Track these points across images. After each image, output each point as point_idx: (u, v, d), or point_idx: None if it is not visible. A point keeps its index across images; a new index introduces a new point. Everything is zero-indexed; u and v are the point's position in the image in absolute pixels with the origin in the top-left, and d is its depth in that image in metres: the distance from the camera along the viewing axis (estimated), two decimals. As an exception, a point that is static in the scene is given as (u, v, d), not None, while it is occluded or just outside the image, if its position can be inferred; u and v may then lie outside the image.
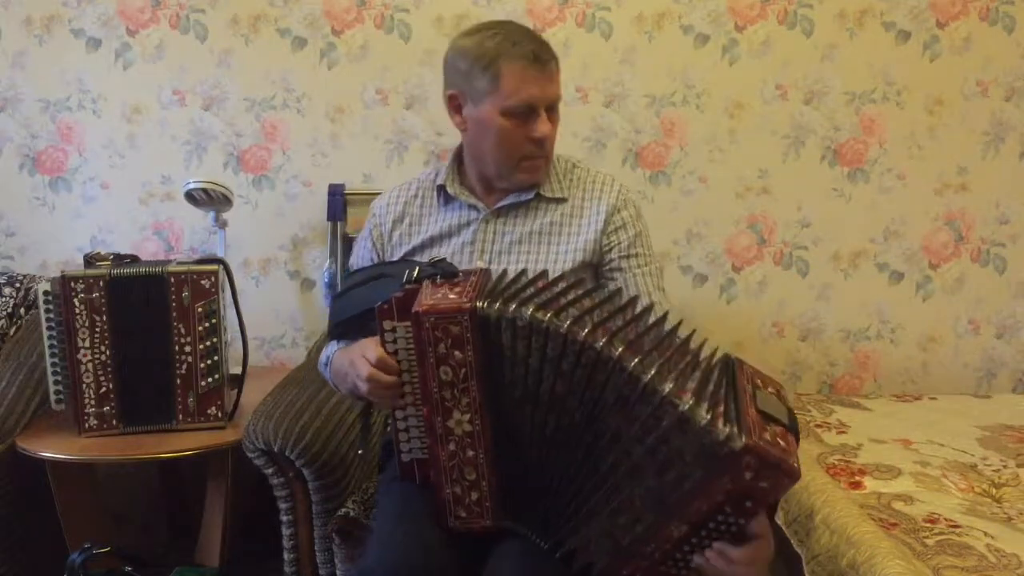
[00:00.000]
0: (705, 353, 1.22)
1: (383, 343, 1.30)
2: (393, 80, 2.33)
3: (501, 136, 1.45)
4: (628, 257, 1.52)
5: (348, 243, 2.31)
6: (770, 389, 1.21)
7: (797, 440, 1.15)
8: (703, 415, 1.07)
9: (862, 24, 2.34)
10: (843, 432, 2.00)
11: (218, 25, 2.31)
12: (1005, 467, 1.80)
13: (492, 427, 1.25)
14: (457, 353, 1.23)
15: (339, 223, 2.29)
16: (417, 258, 1.51)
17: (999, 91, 2.38)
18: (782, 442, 1.08)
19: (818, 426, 2.04)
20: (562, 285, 1.27)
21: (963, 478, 1.74)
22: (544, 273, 1.32)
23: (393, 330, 1.29)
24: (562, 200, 1.54)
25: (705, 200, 2.39)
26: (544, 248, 1.52)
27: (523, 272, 1.32)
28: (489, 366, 1.23)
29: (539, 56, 1.42)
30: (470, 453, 1.27)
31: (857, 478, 1.73)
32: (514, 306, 1.21)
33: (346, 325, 1.47)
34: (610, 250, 1.52)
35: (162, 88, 2.33)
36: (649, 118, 2.36)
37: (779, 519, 1.70)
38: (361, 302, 1.42)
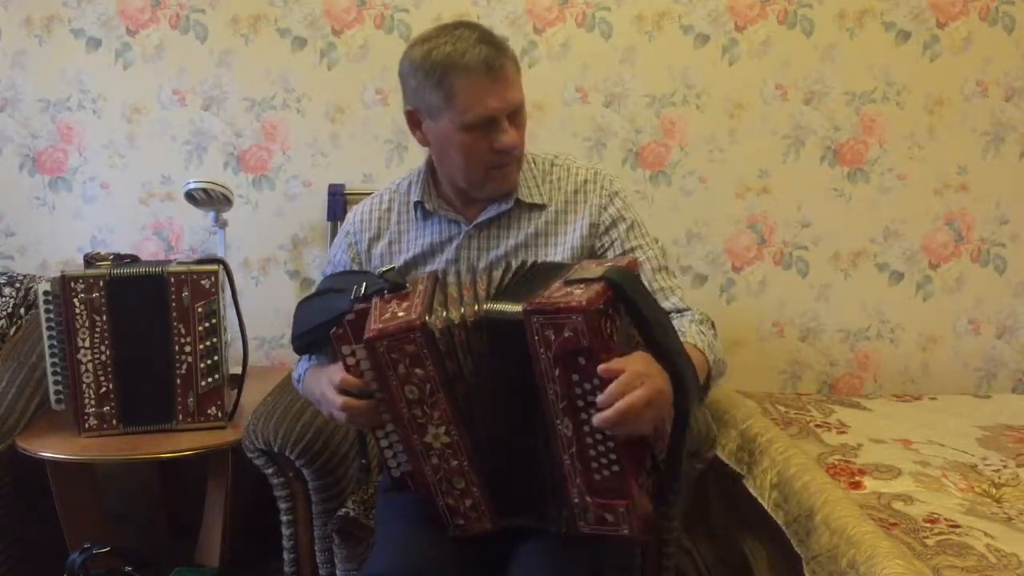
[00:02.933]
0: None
1: (346, 368, 1.28)
2: (393, 80, 2.28)
3: (464, 151, 1.37)
4: (627, 252, 1.46)
5: (348, 243, 2.31)
6: (606, 264, 1.23)
7: (617, 286, 1.16)
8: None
9: (862, 24, 2.34)
10: (843, 432, 2.00)
11: (218, 25, 2.31)
12: (1005, 467, 1.80)
13: (469, 433, 1.25)
14: (418, 370, 1.22)
15: (339, 223, 2.28)
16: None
17: (999, 91, 2.38)
18: (577, 291, 1.15)
19: (818, 426, 2.04)
20: (497, 274, 1.28)
21: (963, 478, 1.74)
22: (489, 269, 1.33)
23: (353, 354, 1.27)
24: (543, 206, 1.47)
25: (705, 200, 2.39)
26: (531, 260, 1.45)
27: (471, 271, 1.32)
28: (452, 374, 1.23)
29: (492, 64, 1.32)
30: (454, 463, 1.27)
31: (857, 478, 1.73)
32: (460, 309, 1.21)
33: (304, 338, 1.45)
34: (606, 250, 1.47)
35: (162, 88, 2.33)
36: (649, 118, 2.36)
37: (779, 519, 1.71)
38: (314, 316, 1.40)
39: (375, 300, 1.27)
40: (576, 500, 1.21)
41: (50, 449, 1.77)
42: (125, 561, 1.73)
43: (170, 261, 1.88)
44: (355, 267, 1.54)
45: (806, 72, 2.35)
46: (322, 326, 1.34)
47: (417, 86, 1.37)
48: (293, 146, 2.36)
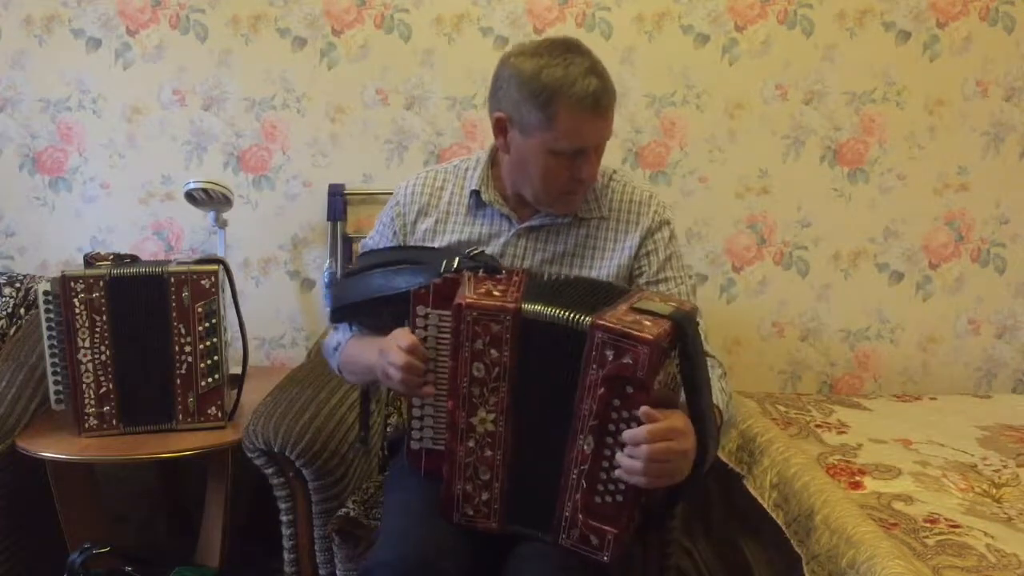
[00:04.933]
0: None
1: (413, 328, 1.28)
2: (393, 80, 2.33)
3: (545, 172, 1.39)
4: (656, 283, 1.47)
5: (348, 243, 2.31)
6: (671, 302, 1.26)
7: (682, 330, 1.18)
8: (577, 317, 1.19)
9: (862, 24, 2.34)
10: (843, 432, 2.00)
11: (218, 25, 2.31)
12: (1005, 467, 1.80)
13: (515, 430, 1.25)
14: (493, 352, 1.23)
15: (339, 223, 2.29)
16: None
17: (999, 91, 2.38)
18: (647, 322, 1.16)
19: (818, 426, 2.04)
20: (598, 286, 1.30)
21: (963, 478, 1.74)
22: (583, 277, 1.35)
23: (426, 316, 1.27)
24: (597, 219, 1.49)
25: (705, 200, 2.39)
26: (576, 271, 1.47)
27: (566, 276, 1.34)
28: (523, 368, 1.23)
29: (598, 99, 1.33)
30: (488, 453, 1.27)
31: (857, 478, 1.73)
32: (557, 310, 1.21)
33: (355, 308, 1.45)
34: (640, 275, 1.47)
35: (162, 88, 2.33)
36: (649, 118, 2.36)
37: (779, 519, 1.71)
38: (376, 288, 1.40)
39: (467, 274, 1.29)
40: (567, 515, 1.22)
41: (50, 449, 1.76)
42: (125, 561, 1.73)
43: (170, 261, 1.88)
44: (398, 239, 1.54)
45: (806, 72, 2.35)
46: (381, 300, 1.36)
47: (519, 99, 1.35)
48: (293, 146, 2.36)
